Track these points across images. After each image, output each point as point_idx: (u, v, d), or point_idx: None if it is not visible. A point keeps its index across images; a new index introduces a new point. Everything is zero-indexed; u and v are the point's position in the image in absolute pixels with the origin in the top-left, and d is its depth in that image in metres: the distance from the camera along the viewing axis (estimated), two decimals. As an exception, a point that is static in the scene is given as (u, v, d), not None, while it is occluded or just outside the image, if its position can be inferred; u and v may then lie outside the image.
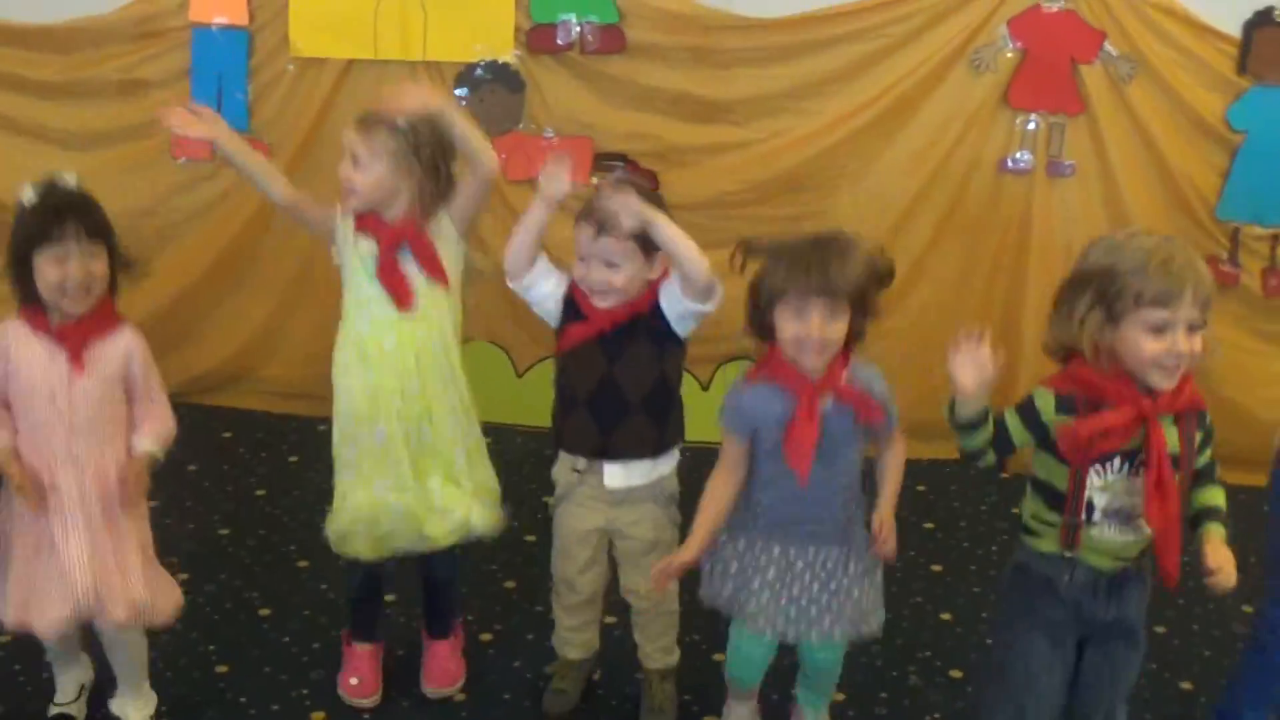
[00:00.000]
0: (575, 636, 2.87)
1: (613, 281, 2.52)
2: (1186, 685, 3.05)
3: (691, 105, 4.02)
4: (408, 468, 2.64)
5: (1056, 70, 3.94)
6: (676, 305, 2.54)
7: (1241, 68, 3.94)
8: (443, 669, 2.89)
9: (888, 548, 2.44)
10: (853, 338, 2.37)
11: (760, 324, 2.35)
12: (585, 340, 2.58)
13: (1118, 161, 3.98)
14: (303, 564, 3.40)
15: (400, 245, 2.59)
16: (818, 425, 2.30)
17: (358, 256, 2.64)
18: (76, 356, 2.39)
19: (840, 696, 2.83)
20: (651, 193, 2.64)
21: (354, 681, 2.80)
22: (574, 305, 2.61)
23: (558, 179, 2.50)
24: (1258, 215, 4.03)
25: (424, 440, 2.66)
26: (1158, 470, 2.09)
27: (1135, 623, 2.31)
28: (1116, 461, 2.14)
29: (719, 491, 2.48)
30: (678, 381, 2.69)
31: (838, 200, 3.99)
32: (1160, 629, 3.25)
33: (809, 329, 2.25)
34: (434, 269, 2.62)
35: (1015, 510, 3.74)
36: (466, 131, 2.57)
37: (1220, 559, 2.14)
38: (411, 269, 2.62)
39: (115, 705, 2.75)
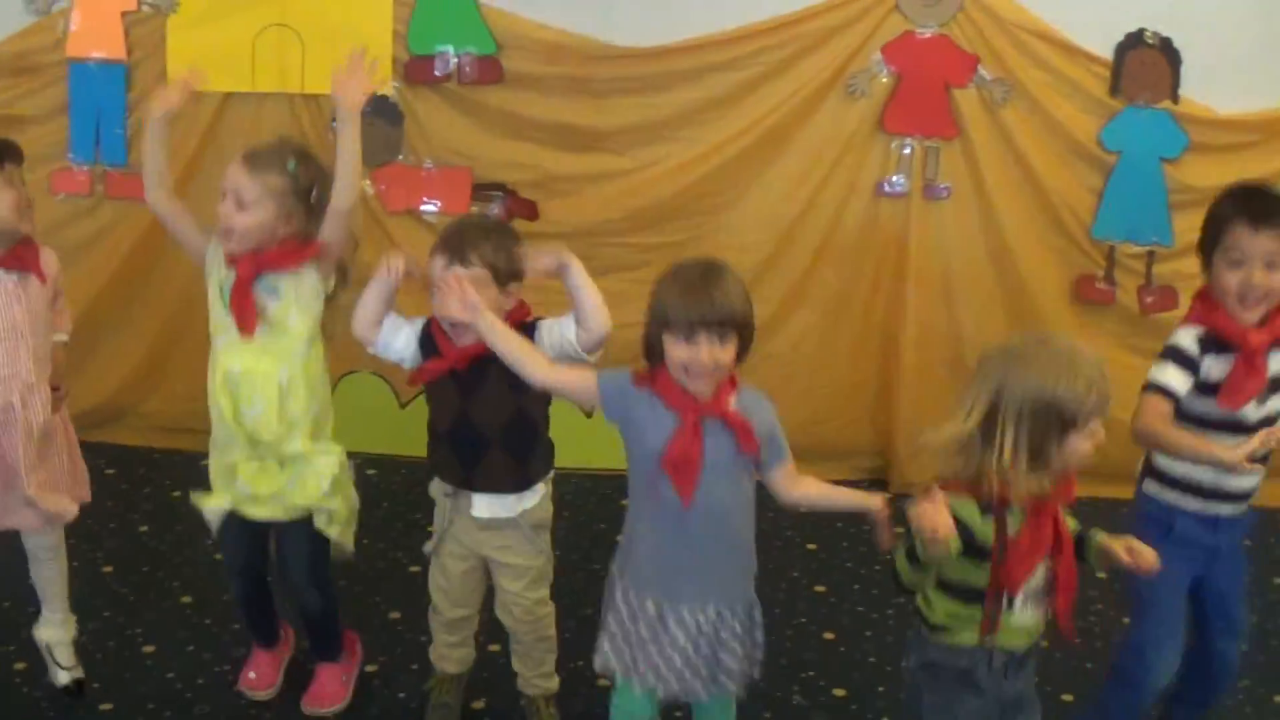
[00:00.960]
0: (453, 652, 3.03)
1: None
2: (1067, 698, 3.24)
3: (570, 135, 4.23)
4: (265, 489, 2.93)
5: (931, 95, 4.20)
6: (560, 349, 2.66)
7: (1114, 89, 4.22)
8: (320, 690, 3.09)
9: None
10: (734, 361, 2.51)
11: (650, 348, 2.44)
12: (438, 376, 2.74)
13: (993, 184, 4.25)
14: (186, 599, 3.54)
15: (260, 274, 2.75)
16: (700, 445, 2.38)
17: (218, 281, 2.83)
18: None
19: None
20: (508, 232, 2.75)
21: (251, 675, 3.11)
22: (432, 341, 2.76)
23: (398, 262, 2.67)
24: (1132, 234, 4.30)
25: (281, 465, 2.89)
26: (1068, 557, 2.27)
27: (1032, 688, 2.45)
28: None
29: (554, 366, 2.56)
30: (542, 417, 2.83)
31: (717, 226, 4.23)
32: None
33: (698, 355, 2.34)
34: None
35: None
36: (355, 157, 2.74)
37: (1124, 544, 2.28)
38: (264, 297, 2.79)
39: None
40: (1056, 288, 4.33)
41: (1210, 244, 2.63)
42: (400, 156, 4.23)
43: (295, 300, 2.81)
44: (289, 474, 2.88)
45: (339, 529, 2.96)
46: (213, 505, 2.94)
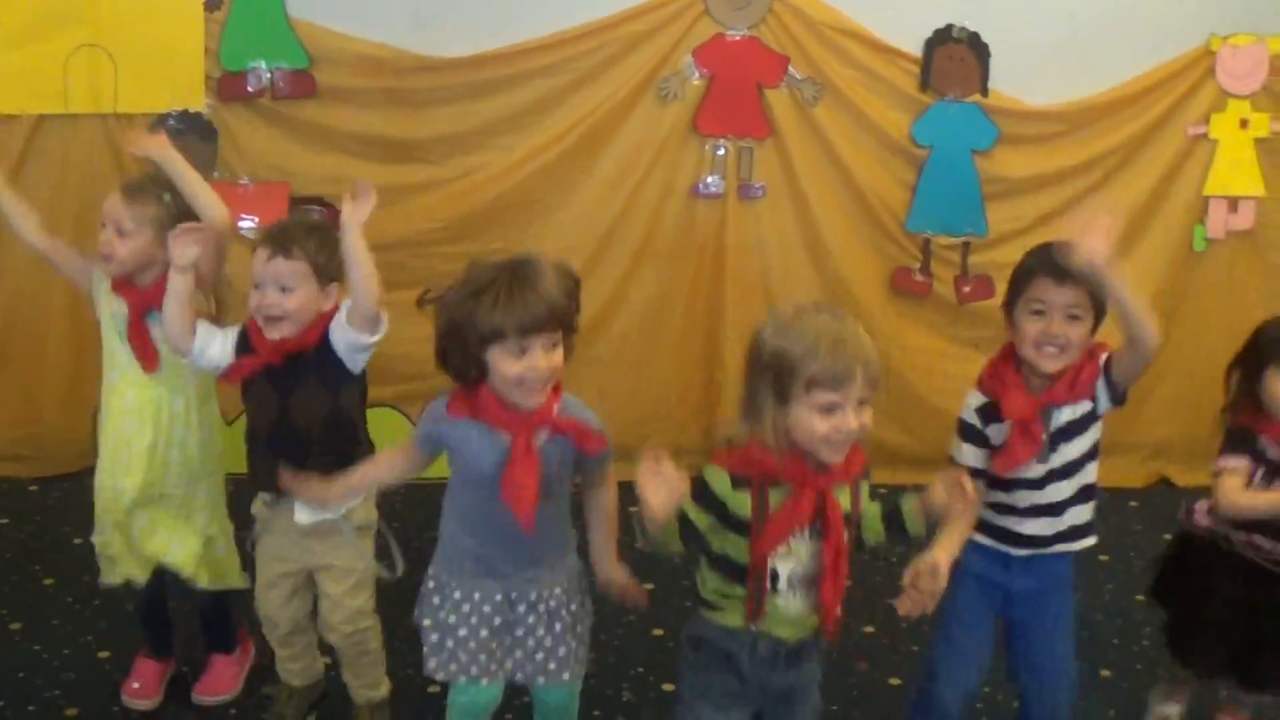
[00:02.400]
0: (293, 665, 3.24)
1: (286, 305, 2.83)
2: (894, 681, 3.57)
3: (387, 146, 4.52)
4: (144, 519, 3.17)
5: (743, 96, 4.56)
6: (345, 336, 2.83)
7: (924, 85, 4.65)
8: (212, 680, 3.38)
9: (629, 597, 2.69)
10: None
11: (465, 366, 2.42)
12: (253, 373, 2.91)
13: (807, 181, 4.63)
14: (15, 626, 3.71)
15: (149, 310, 3.04)
16: (537, 465, 2.43)
17: (110, 315, 3.12)
18: None
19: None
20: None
21: (135, 685, 3.33)
22: (249, 344, 2.93)
23: (187, 248, 2.83)
24: (946, 226, 4.72)
25: (162, 495, 3.16)
26: (835, 541, 2.32)
27: (811, 684, 2.52)
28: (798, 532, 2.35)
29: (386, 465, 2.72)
30: (360, 417, 3.00)
31: (536, 233, 4.54)
32: (869, 628, 3.78)
33: (534, 365, 2.37)
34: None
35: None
36: (195, 184, 3.03)
37: (939, 486, 2.37)
38: (155, 330, 3.07)
39: None
40: (874, 281, 4.73)
41: (1014, 297, 2.84)
42: (215, 173, 4.48)
43: None
44: (169, 531, 3.18)
45: (210, 582, 3.26)
46: (116, 582, 3.24)
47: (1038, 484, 2.82)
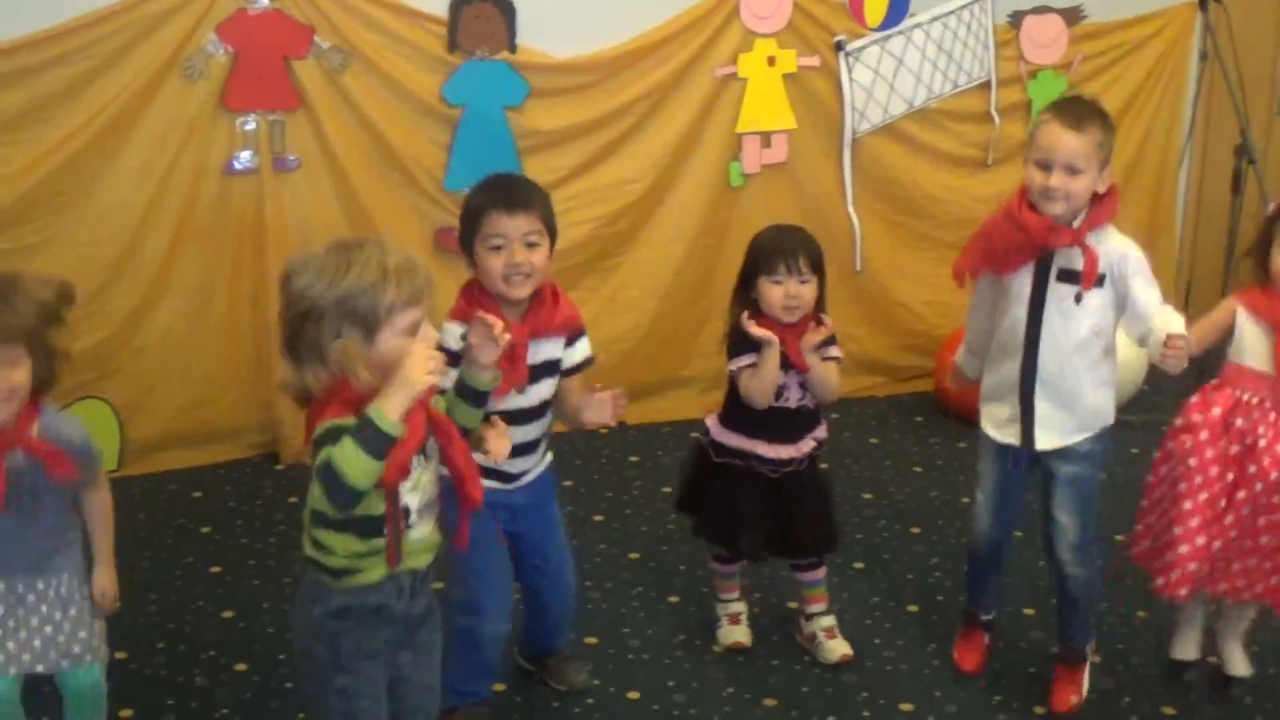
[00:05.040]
0: None
1: None
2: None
3: None
4: None
5: (269, 69, 5.12)
6: None
7: (451, 45, 5.31)
8: None
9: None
10: (41, 383, 2.94)
11: None
12: None
13: (342, 150, 5.24)
14: None
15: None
16: (2, 483, 2.74)
17: None
18: None
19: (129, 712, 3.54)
20: None
21: None
22: None
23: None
24: None
25: None
26: (452, 440, 2.76)
27: (434, 600, 2.88)
28: (417, 458, 2.69)
29: None
30: None
31: (69, 224, 5.06)
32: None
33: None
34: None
35: (293, 500, 5.01)
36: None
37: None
38: None
39: None
40: (417, 243, 5.38)
41: (470, 236, 3.44)
42: None
43: None
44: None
45: None
46: None
47: (513, 416, 3.28)
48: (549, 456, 3.60)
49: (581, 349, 3.55)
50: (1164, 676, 4.14)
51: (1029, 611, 4.47)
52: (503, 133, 5.52)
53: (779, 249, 3.72)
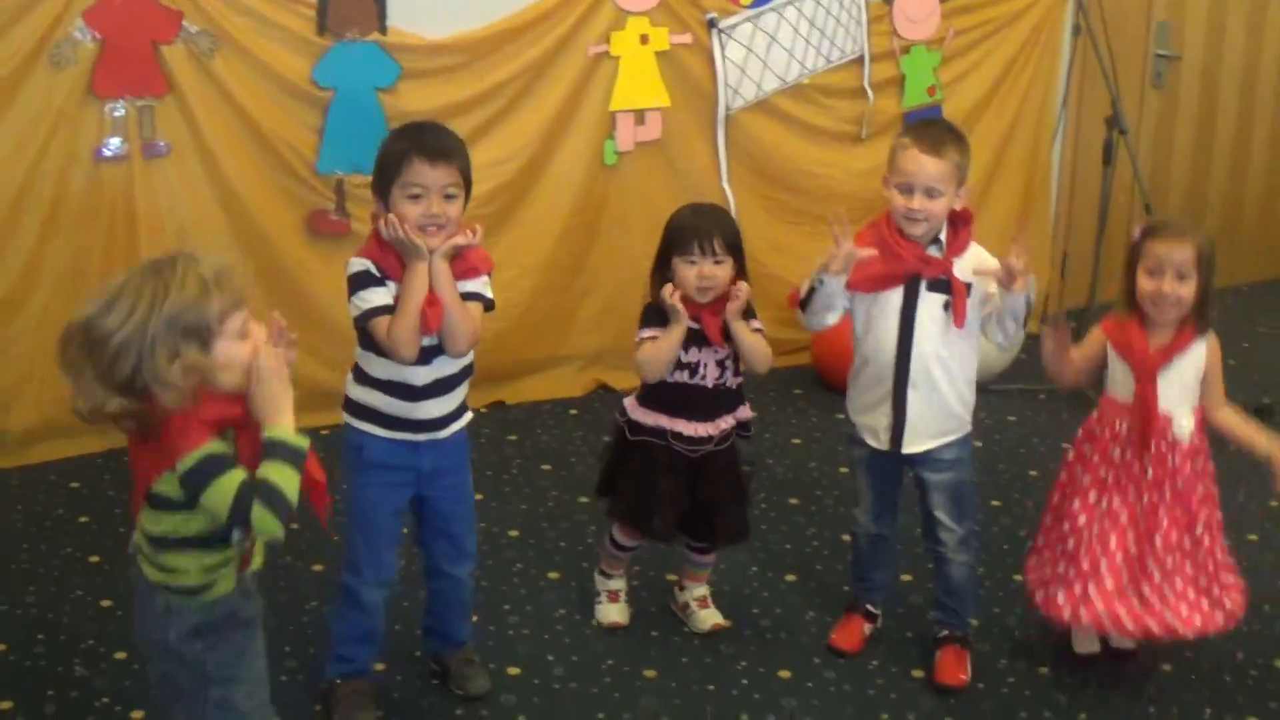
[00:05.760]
0: None
1: None
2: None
3: None
4: None
5: (137, 54, 5.16)
6: None
7: (321, 28, 5.38)
8: None
9: None
10: None
11: None
12: None
13: (213, 135, 5.29)
14: None
15: None
16: None
17: None
18: None
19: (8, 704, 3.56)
20: None
21: None
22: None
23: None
24: (356, 165, 5.46)
25: None
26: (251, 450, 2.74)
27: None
28: None
29: None
30: None
31: None
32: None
33: None
34: None
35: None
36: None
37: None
38: None
39: None
40: (291, 227, 5.50)
41: (387, 182, 3.46)
42: None
43: None
44: None
45: None
46: None
47: (426, 357, 3.46)
48: (468, 415, 3.71)
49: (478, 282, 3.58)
50: (1042, 638, 4.36)
51: (906, 578, 4.63)
52: (375, 115, 5.57)
53: (695, 229, 3.80)
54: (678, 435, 3.91)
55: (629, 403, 3.99)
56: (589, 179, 5.91)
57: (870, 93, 6.60)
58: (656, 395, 3.91)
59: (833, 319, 3.83)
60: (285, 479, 2.66)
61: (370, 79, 5.63)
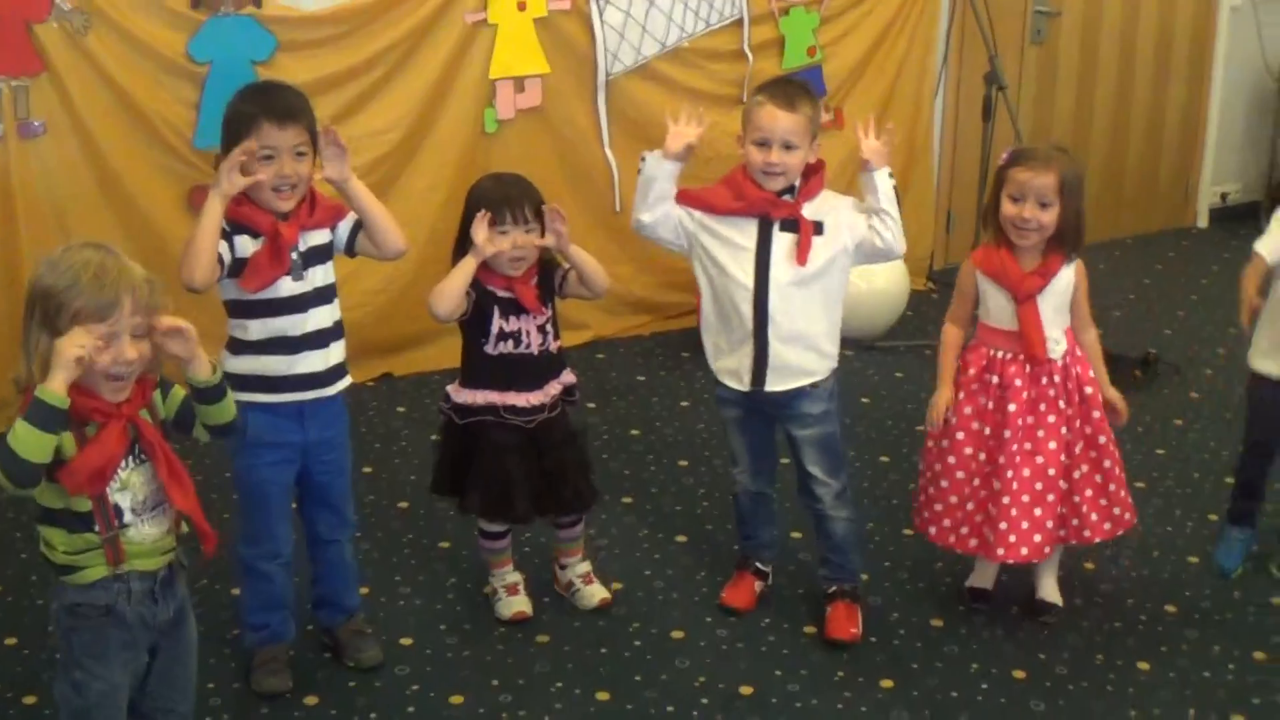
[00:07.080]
0: None
1: None
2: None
3: None
4: None
5: (10, 33, 5.20)
6: None
7: (195, 2, 5.47)
8: None
9: None
10: None
11: None
12: None
13: (89, 114, 5.36)
14: None
15: None
16: None
17: None
18: None
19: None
20: None
21: None
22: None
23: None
24: None
25: None
26: (163, 459, 2.83)
27: (187, 602, 3.04)
28: (127, 460, 2.78)
29: None
30: None
31: None
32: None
33: None
34: None
35: None
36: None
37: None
38: None
39: None
40: (170, 203, 5.60)
41: (237, 143, 3.53)
42: None
43: None
44: None
45: None
46: None
47: (292, 305, 3.61)
48: (348, 378, 3.84)
49: (346, 223, 3.80)
50: (931, 590, 4.54)
51: (796, 535, 4.80)
52: (252, 88, 5.43)
53: (505, 198, 3.87)
54: (511, 409, 3.97)
55: (452, 389, 4.02)
56: (470, 147, 5.99)
57: (750, 55, 6.75)
58: (482, 372, 3.98)
59: (665, 232, 4.08)
60: (17, 436, 2.70)
61: (246, 52, 5.69)
